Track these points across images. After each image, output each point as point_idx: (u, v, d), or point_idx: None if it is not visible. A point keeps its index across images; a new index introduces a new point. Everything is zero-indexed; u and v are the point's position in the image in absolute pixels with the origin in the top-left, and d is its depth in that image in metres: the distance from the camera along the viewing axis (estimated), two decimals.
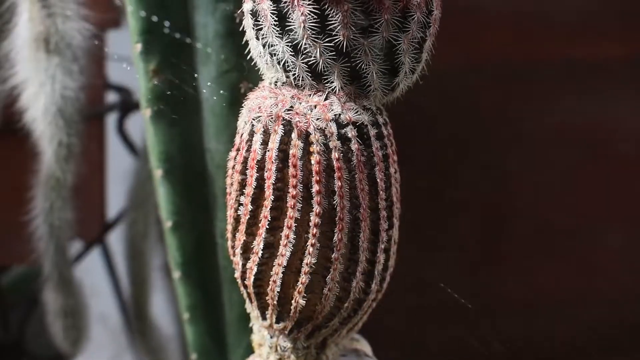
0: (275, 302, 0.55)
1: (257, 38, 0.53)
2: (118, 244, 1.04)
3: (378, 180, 0.53)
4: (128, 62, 0.71)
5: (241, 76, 0.67)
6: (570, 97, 1.01)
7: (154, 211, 0.91)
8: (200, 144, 0.69)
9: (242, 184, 0.54)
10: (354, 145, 0.52)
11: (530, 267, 1.04)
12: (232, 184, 0.55)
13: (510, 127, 1.02)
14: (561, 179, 1.03)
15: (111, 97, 1.10)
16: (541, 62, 1.00)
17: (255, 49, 0.54)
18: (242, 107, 0.56)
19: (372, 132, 0.53)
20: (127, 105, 1.04)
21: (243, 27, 0.55)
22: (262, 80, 0.56)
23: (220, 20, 0.66)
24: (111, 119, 1.09)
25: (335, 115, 0.52)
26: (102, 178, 1.03)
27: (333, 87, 0.52)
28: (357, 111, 0.52)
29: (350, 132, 0.52)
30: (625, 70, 1.01)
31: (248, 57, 0.55)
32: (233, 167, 0.55)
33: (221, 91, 0.68)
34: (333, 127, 0.52)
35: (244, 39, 0.55)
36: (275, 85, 0.54)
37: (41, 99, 0.78)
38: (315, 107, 0.52)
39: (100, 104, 1.04)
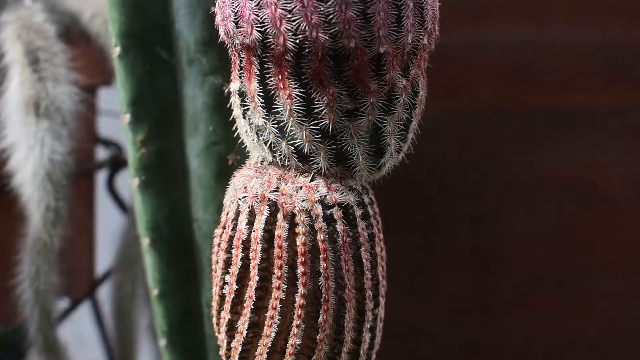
0: None
1: (244, 117, 0.54)
2: (106, 301, 1.03)
3: (364, 260, 0.53)
4: (118, 117, 0.71)
5: (229, 148, 0.67)
6: (561, 146, 1.02)
7: (142, 272, 0.91)
8: (187, 213, 0.69)
9: (228, 263, 0.54)
10: (339, 227, 0.52)
11: (523, 315, 1.04)
12: (217, 262, 0.55)
13: (501, 176, 1.02)
14: (552, 227, 1.03)
15: (101, 152, 1.10)
16: (532, 111, 1.01)
17: (242, 127, 0.55)
18: (230, 180, 0.56)
19: (358, 212, 0.53)
20: (117, 162, 1.04)
21: (231, 104, 0.55)
22: (249, 153, 0.56)
23: (208, 93, 0.67)
24: (101, 175, 1.09)
25: (321, 196, 0.52)
26: (91, 236, 1.03)
27: (319, 168, 0.52)
28: (343, 192, 0.52)
29: (336, 213, 0.52)
30: (616, 120, 1.02)
31: (236, 134, 0.56)
32: (219, 245, 0.55)
33: (209, 162, 0.68)
34: (319, 209, 0.52)
35: (232, 114, 0.55)
36: (262, 164, 0.54)
37: (30, 163, 0.79)
38: (301, 188, 0.52)
39: (90, 160, 1.04)
